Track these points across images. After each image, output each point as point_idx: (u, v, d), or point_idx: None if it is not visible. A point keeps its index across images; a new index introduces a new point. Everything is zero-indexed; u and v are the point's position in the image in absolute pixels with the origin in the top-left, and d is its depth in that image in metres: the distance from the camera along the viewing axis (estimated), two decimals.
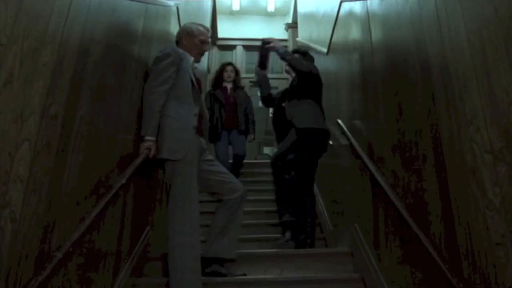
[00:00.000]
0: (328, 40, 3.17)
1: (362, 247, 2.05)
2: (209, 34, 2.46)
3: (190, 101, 2.13)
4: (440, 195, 1.24)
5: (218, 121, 3.86)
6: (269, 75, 7.09)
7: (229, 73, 4.03)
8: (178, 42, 2.36)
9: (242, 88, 4.18)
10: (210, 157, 2.27)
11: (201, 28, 2.39)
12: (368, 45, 2.06)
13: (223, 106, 3.92)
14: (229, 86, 4.04)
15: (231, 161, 3.97)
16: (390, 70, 1.73)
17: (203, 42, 2.36)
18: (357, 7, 2.31)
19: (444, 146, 1.22)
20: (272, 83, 6.90)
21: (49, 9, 1.10)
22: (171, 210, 1.93)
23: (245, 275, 2.10)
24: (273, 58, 7.20)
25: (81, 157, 1.33)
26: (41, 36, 1.06)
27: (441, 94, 1.24)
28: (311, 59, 3.01)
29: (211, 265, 2.03)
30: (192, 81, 2.17)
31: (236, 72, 4.09)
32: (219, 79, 4.05)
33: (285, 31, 7.23)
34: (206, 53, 3.04)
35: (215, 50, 7.01)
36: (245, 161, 4.82)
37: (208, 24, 5.56)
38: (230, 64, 4.14)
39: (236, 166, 3.88)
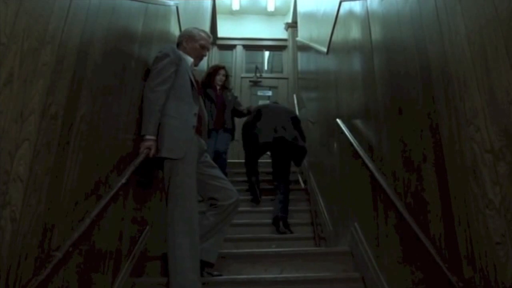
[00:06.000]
0: (328, 40, 3.17)
1: (362, 247, 2.05)
2: (210, 40, 2.48)
3: (189, 100, 2.13)
4: (440, 194, 1.24)
5: (209, 119, 3.88)
6: (269, 75, 7.15)
7: (221, 77, 4.10)
8: (178, 44, 2.39)
9: (230, 90, 4.24)
10: (209, 159, 2.27)
11: (202, 33, 2.42)
12: (368, 44, 2.05)
13: (215, 105, 3.96)
14: (218, 87, 4.10)
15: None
16: (390, 70, 1.73)
17: (203, 47, 2.38)
18: (357, 6, 2.31)
19: (444, 145, 1.22)
20: (272, 82, 6.96)
21: (49, 9, 1.10)
22: (171, 209, 1.93)
23: (221, 275, 2.10)
24: (273, 57, 7.21)
25: (81, 157, 1.33)
26: (41, 35, 1.06)
27: (441, 93, 1.24)
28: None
29: None
30: (191, 81, 2.18)
31: (227, 76, 4.15)
32: (210, 81, 4.07)
33: (285, 31, 7.24)
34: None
35: (215, 49, 7.01)
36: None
37: (208, 23, 5.56)
38: (223, 67, 4.17)
39: (219, 162, 3.80)
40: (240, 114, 4.17)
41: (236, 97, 4.30)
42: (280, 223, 3.27)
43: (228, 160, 4.20)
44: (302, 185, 4.34)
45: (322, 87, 3.65)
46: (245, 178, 4.32)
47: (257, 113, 3.77)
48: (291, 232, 3.24)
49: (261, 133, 3.56)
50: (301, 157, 3.68)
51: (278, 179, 3.69)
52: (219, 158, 3.84)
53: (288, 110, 3.93)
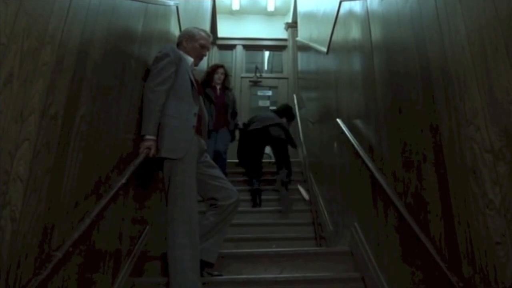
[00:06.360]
0: (328, 40, 3.17)
1: (362, 246, 2.05)
2: (210, 39, 2.47)
3: (190, 100, 2.13)
4: (440, 194, 1.24)
5: (209, 120, 3.87)
6: (269, 75, 7.16)
7: (219, 75, 4.07)
8: (179, 44, 2.39)
9: (231, 90, 4.22)
10: (209, 159, 2.27)
11: (202, 33, 2.41)
12: (368, 44, 2.05)
13: (215, 105, 3.94)
14: (218, 86, 4.07)
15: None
16: (390, 69, 1.73)
17: (203, 47, 2.37)
18: (357, 6, 2.31)
19: (444, 145, 1.22)
20: (272, 82, 6.96)
21: (49, 9, 1.10)
22: (171, 209, 1.93)
23: (221, 275, 2.10)
24: (273, 57, 7.21)
25: (81, 157, 1.33)
26: (41, 35, 1.06)
27: (441, 93, 1.24)
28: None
29: None
30: (191, 81, 2.18)
31: (226, 75, 4.12)
32: (209, 80, 4.06)
33: (285, 31, 7.24)
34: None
35: (215, 49, 7.01)
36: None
37: (208, 23, 5.55)
38: (222, 66, 4.15)
39: (218, 162, 3.84)
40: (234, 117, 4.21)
41: (235, 99, 4.31)
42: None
43: (228, 160, 4.20)
44: (305, 196, 4.05)
45: (322, 87, 3.66)
46: (245, 178, 4.32)
47: (248, 123, 4.25)
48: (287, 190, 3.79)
49: (252, 126, 4.11)
50: (291, 137, 4.22)
51: (280, 165, 4.06)
52: (219, 158, 3.84)
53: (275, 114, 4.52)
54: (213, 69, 4.11)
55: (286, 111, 4.47)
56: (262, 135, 4.04)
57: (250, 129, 4.08)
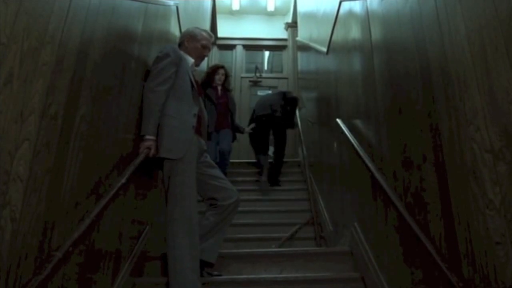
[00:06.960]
0: (328, 40, 3.17)
1: (362, 246, 2.05)
2: (212, 40, 2.47)
3: (189, 101, 2.13)
4: (440, 194, 1.24)
5: (210, 121, 3.86)
6: (269, 75, 7.16)
7: (220, 76, 4.06)
8: (180, 44, 2.38)
9: (230, 91, 4.23)
10: (209, 159, 2.27)
11: (204, 33, 2.41)
12: (368, 44, 2.05)
13: (215, 106, 3.93)
14: (219, 87, 4.07)
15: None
16: (390, 70, 1.73)
17: (205, 47, 2.37)
18: (357, 6, 2.31)
19: (444, 145, 1.22)
20: (272, 82, 6.96)
21: (49, 9, 1.10)
22: (170, 209, 1.93)
23: (220, 275, 2.10)
24: (273, 57, 7.21)
25: (81, 157, 1.33)
26: (41, 35, 1.06)
27: (441, 93, 1.24)
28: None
29: None
30: (191, 82, 2.18)
31: (226, 75, 4.12)
32: (209, 80, 4.06)
33: (284, 31, 7.24)
34: None
35: (215, 49, 7.02)
36: (246, 160, 4.87)
37: (208, 23, 5.55)
38: (222, 67, 4.15)
39: (222, 162, 3.86)
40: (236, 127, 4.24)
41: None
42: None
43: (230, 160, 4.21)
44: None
45: (322, 87, 3.66)
46: (245, 178, 4.34)
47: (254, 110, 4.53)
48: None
49: (258, 111, 4.44)
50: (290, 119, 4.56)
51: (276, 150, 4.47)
52: (223, 158, 3.84)
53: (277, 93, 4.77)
54: (214, 70, 4.10)
55: (291, 102, 4.61)
56: (267, 120, 4.37)
57: (257, 116, 4.39)
